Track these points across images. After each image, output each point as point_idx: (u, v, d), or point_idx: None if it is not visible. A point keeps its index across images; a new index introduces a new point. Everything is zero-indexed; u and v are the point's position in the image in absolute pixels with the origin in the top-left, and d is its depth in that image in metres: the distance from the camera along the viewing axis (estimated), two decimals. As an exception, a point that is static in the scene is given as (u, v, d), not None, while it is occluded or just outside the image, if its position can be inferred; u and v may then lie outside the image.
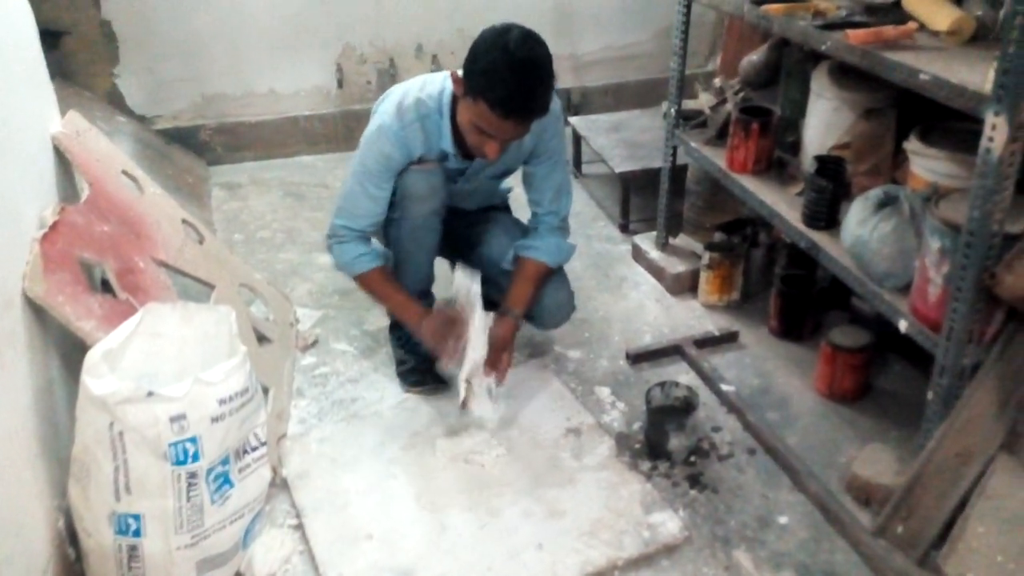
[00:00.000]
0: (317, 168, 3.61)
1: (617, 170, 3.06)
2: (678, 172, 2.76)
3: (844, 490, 1.92)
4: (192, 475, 1.50)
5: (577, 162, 3.49)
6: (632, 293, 2.73)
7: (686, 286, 2.70)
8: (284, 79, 3.60)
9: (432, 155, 2.05)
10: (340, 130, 3.67)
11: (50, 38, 2.99)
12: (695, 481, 1.96)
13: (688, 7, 2.49)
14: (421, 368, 2.25)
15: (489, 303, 2.13)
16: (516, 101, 1.80)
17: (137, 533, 1.51)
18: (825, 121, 2.23)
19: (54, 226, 1.69)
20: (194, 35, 3.39)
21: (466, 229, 2.30)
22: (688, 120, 2.66)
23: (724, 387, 2.23)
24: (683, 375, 2.32)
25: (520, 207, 2.37)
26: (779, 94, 2.55)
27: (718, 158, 2.47)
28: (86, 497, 1.52)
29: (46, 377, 1.66)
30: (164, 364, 1.67)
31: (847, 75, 2.16)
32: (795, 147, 2.40)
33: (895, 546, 1.71)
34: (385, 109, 2.04)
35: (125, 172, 2.09)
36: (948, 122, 1.90)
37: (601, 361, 2.40)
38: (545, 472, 1.97)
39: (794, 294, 2.43)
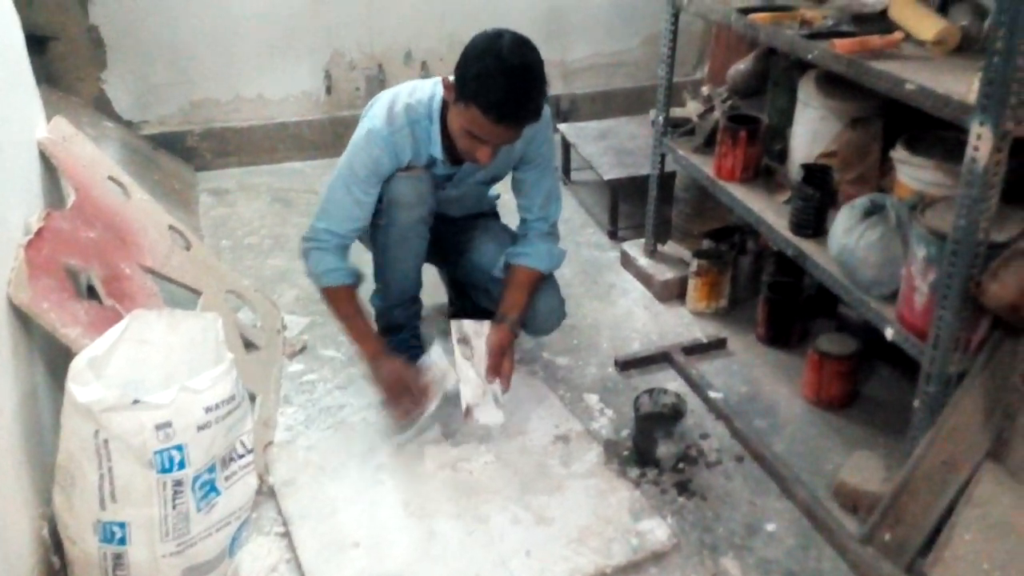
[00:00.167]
0: (305, 174, 3.60)
1: (605, 177, 3.06)
2: (666, 179, 2.77)
3: (831, 497, 1.92)
4: (178, 483, 1.49)
5: (566, 169, 3.49)
6: (621, 300, 2.73)
7: (674, 293, 2.70)
8: (273, 85, 3.59)
9: (420, 161, 2.05)
10: (328, 136, 3.66)
11: (37, 43, 2.99)
12: (683, 488, 1.96)
13: (676, 16, 2.50)
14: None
15: (480, 312, 2.12)
16: (509, 106, 1.80)
17: (122, 541, 1.50)
18: (812, 130, 2.25)
19: (39, 232, 1.68)
20: (182, 40, 3.38)
21: (455, 236, 2.30)
22: (676, 128, 2.67)
23: (712, 394, 2.24)
24: (671, 382, 2.32)
25: (508, 213, 2.37)
26: (766, 103, 2.56)
27: (706, 166, 2.48)
28: (71, 505, 1.51)
29: (31, 384, 1.64)
30: (150, 371, 1.66)
31: (834, 84, 2.17)
32: (782, 155, 2.41)
33: (882, 553, 1.71)
34: (375, 113, 2.03)
35: (111, 178, 2.08)
36: (934, 131, 1.91)
37: (590, 368, 2.40)
38: (533, 479, 1.96)
39: (782, 301, 2.44)
